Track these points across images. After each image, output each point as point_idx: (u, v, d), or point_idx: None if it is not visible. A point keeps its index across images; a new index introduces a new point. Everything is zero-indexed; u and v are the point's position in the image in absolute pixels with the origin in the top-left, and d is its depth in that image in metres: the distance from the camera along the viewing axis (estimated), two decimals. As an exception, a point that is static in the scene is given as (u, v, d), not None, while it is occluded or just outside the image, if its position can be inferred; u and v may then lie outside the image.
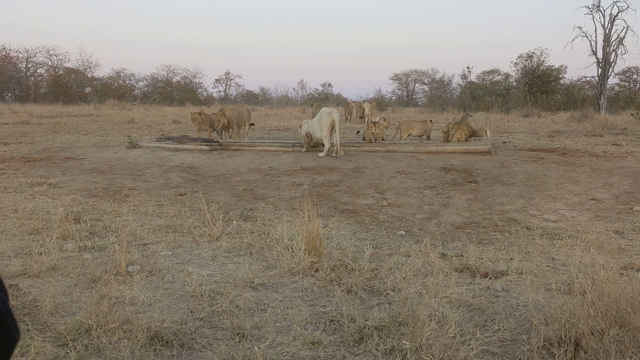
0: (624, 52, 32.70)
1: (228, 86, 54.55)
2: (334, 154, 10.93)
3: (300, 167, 9.52)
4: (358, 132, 14.41)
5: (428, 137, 13.33)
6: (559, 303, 3.17)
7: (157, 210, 6.38)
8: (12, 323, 0.71)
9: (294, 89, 54.46)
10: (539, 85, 37.21)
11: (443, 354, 2.81)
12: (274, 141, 12.98)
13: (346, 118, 23.92)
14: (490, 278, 4.08)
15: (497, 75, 44.01)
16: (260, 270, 4.27)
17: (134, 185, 7.96)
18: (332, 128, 10.86)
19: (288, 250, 4.53)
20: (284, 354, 2.92)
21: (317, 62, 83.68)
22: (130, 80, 50.77)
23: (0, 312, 0.69)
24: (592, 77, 35.30)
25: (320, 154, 10.98)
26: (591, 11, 32.96)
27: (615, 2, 32.04)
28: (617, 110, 30.56)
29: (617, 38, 32.54)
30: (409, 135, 12.94)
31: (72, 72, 48.35)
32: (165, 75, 50.32)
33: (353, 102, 26.39)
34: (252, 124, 14.44)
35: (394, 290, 3.80)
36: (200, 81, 52.53)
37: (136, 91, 49.92)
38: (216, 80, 54.19)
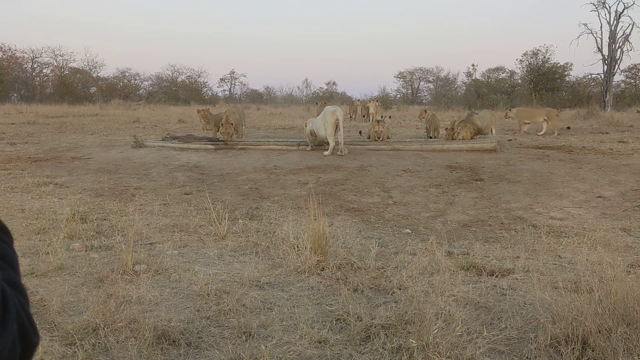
0: (629, 49, 32.68)
1: (233, 85, 54.69)
2: (338, 153, 10.93)
3: (306, 166, 9.52)
4: (360, 132, 14.39)
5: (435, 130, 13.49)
6: (566, 301, 3.16)
7: (163, 209, 6.40)
8: (32, 327, 0.72)
9: (298, 87, 54.57)
10: (544, 83, 37.11)
11: (450, 353, 2.81)
12: (279, 140, 12.99)
13: (351, 117, 23.93)
14: (496, 276, 4.07)
15: (502, 73, 43.92)
16: (267, 269, 4.28)
17: (140, 185, 7.98)
18: (337, 127, 10.85)
19: (294, 249, 4.53)
20: (291, 353, 2.92)
21: (322, 60, 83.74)
22: (136, 80, 50.99)
23: (20, 317, 0.70)
24: (597, 74, 35.23)
25: (326, 153, 10.98)
26: (597, 8, 32.83)
27: (621, -2, 31.87)
28: (623, 108, 30.40)
29: (622, 35, 32.40)
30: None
31: (77, 72, 48.55)
32: (170, 75, 50.49)
33: (358, 100, 26.40)
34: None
35: (400, 289, 3.79)
36: (205, 80, 52.74)
37: (141, 91, 50.10)
38: (221, 79, 54.41)
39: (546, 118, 15.28)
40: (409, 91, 53.56)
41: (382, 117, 14.99)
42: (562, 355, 2.80)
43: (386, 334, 3.09)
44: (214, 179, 8.58)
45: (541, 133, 15.17)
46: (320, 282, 4.01)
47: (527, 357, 2.87)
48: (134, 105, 33.41)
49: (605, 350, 2.75)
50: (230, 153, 11.51)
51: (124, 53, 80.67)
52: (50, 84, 48.14)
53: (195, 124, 19.47)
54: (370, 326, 3.16)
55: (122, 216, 5.99)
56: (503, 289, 3.85)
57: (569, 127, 16.26)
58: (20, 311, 0.70)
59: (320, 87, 53.11)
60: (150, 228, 5.54)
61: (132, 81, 50.83)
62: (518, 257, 4.57)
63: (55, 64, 49.20)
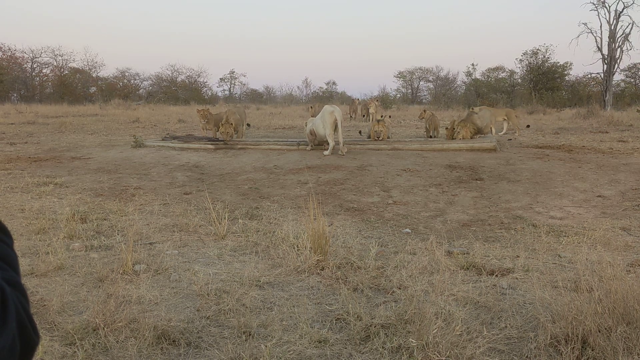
0: (629, 48, 32.61)
1: (233, 85, 54.69)
2: (339, 152, 10.92)
3: (306, 166, 9.52)
4: (360, 131, 14.39)
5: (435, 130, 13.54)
6: (565, 300, 3.16)
7: (163, 209, 6.40)
8: (32, 327, 0.72)
9: (298, 87, 54.49)
10: (544, 82, 37.14)
11: (450, 352, 2.81)
12: (279, 140, 12.98)
13: (351, 116, 23.93)
14: (496, 275, 4.07)
15: (502, 72, 43.91)
16: (266, 268, 4.28)
17: (139, 185, 7.98)
18: (335, 126, 10.84)
19: (294, 248, 4.53)
20: (291, 352, 2.92)
21: (322, 60, 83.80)
22: (135, 79, 50.98)
23: (20, 316, 0.70)
24: (597, 73, 35.24)
25: (325, 152, 10.97)
26: (596, 7, 32.82)
27: (621, -3, 31.87)
28: (622, 107, 30.39)
29: (622, 34, 32.39)
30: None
31: (77, 72, 48.55)
32: (170, 75, 50.46)
33: (357, 99, 26.42)
34: (247, 124, 14.55)
35: (400, 288, 3.80)
36: (205, 80, 52.68)
37: (141, 90, 50.09)
38: (221, 79, 54.46)
39: (505, 118, 15.65)
40: (409, 91, 53.56)
41: (382, 116, 14.99)
42: (561, 354, 2.80)
43: (386, 334, 3.09)
44: (214, 179, 8.58)
45: (502, 133, 15.50)
46: (320, 281, 4.01)
47: (527, 357, 2.87)
48: (133, 105, 33.37)
49: (605, 350, 2.75)
50: (230, 153, 11.51)
51: (123, 53, 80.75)
52: (50, 84, 48.14)
53: (195, 123, 19.46)
54: (370, 325, 3.16)
55: (122, 216, 5.99)
56: (503, 288, 3.85)
57: (528, 126, 16.54)
58: (20, 310, 0.70)
59: (320, 87, 53.13)
60: (150, 228, 5.54)
61: (132, 81, 50.85)
62: (518, 256, 4.57)
63: (55, 64, 49.23)
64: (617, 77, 36.37)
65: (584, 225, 5.70)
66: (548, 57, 38.50)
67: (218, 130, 12.97)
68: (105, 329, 3.06)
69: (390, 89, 55.45)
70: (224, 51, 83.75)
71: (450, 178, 8.48)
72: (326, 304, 3.59)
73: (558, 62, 38.58)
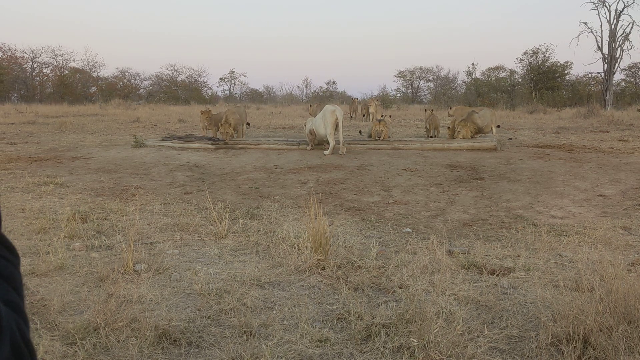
0: (629, 47, 32.64)
1: (233, 85, 54.71)
2: (340, 152, 10.92)
3: (306, 165, 9.51)
4: (360, 131, 14.39)
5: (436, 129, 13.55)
6: (567, 300, 3.16)
7: (164, 209, 6.40)
8: (30, 353, 0.68)
9: (298, 87, 54.51)
10: (544, 82, 37.11)
11: (451, 351, 2.81)
12: (279, 139, 12.97)
13: (351, 116, 23.93)
14: (497, 275, 4.07)
15: (502, 72, 43.88)
16: (267, 268, 4.28)
17: (140, 184, 7.98)
18: (336, 126, 10.83)
19: (294, 248, 4.53)
20: (292, 352, 2.92)
21: (322, 59, 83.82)
22: (135, 79, 51.03)
23: (15, 340, 0.66)
24: (597, 73, 35.28)
25: (326, 152, 10.96)
26: (596, 7, 32.84)
27: (621, -3, 31.89)
28: (623, 106, 30.41)
29: (622, 33, 32.43)
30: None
31: (77, 72, 48.59)
32: (170, 75, 50.50)
33: (356, 99, 26.44)
34: (247, 123, 14.55)
35: (401, 288, 3.79)
36: (205, 80, 52.73)
37: (141, 90, 50.11)
38: (221, 79, 54.50)
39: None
40: (409, 90, 53.55)
41: (382, 116, 14.99)
42: (563, 353, 2.80)
43: (387, 333, 3.08)
44: (214, 179, 8.57)
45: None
46: (321, 281, 4.01)
47: (528, 356, 2.87)
48: (133, 105, 33.37)
49: (607, 349, 2.75)
50: (230, 152, 11.51)
51: (124, 53, 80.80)
52: (50, 83, 48.17)
53: (195, 123, 19.46)
54: (371, 325, 3.16)
55: (122, 216, 5.99)
56: (504, 287, 3.84)
57: (499, 126, 16.56)
58: (15, 334, 0.66)
59: (320, 87, 53.15)
60: (151, 227, 5.54)
61: (132, 81, 50.90)
62: (519, 255, 4.57)
63: (55, 63, 49.26)
64: (618, 76, 36.48)
65: (584, 225, 5.69)
66: (548, 57, 38.49)
67: (218, 130, 12.95)
68: (106, 328, 3.06)
69: (391, 88, 55.51)
70: (224, 51, 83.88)
71: (451, 177, 8.48)
72: (327, 304, 3.59)
73: (558, 62, 38.59)
